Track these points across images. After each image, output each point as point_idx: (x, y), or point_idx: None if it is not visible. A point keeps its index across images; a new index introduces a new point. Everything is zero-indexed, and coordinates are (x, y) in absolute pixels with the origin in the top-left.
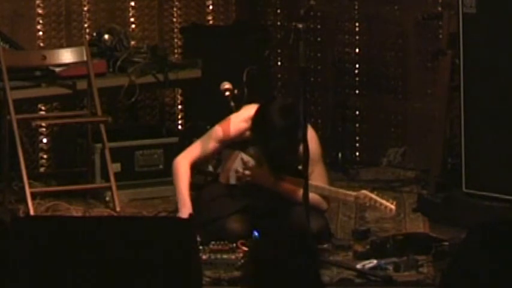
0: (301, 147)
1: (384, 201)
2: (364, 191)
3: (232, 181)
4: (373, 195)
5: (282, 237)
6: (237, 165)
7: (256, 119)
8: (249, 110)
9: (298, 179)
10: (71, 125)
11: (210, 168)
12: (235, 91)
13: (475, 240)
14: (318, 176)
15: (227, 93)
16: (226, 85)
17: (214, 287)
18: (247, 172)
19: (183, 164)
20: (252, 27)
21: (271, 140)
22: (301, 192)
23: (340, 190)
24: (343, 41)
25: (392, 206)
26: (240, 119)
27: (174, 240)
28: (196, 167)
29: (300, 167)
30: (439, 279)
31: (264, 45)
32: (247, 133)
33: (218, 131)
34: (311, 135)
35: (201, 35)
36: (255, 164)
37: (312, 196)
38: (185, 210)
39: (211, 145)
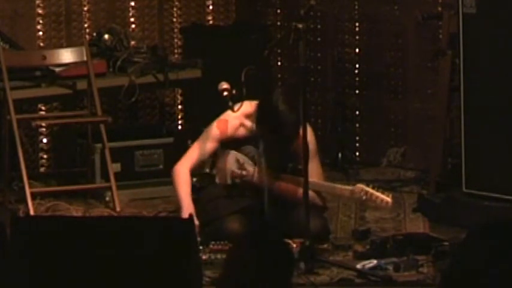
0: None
1: (379, 194)
2: (359, 185)
3: (229, 182)
4: (369, 189)
5: (260, 238)
6: (232, 165)
7: (261, 112)
8: (242, 107)
9: (295, 177)
10: (71, 125)
11: (207, 170)
12: (234, 91)
13: (475, 240)
14: (313, 172)
15: (225, 93)
16: (224, 85)
17: (214, 287)
18: (244, 172)
19: (182, 171)
20: (252, 27)
21: (281, 129)
22: (300, 190)
23: (336, 185)
24: (343, 41)
25: (389, 199)
26: (234, 116)
27: (174, 240)
28: (195, 170)
29: (296, 165)
30: (439, 279)
31: (264, 45)
32: (241, 130)
33: (214, 130)
34: (308, 130)
35: (201, 35)
36: (251, 164)
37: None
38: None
39: (210, 145)
